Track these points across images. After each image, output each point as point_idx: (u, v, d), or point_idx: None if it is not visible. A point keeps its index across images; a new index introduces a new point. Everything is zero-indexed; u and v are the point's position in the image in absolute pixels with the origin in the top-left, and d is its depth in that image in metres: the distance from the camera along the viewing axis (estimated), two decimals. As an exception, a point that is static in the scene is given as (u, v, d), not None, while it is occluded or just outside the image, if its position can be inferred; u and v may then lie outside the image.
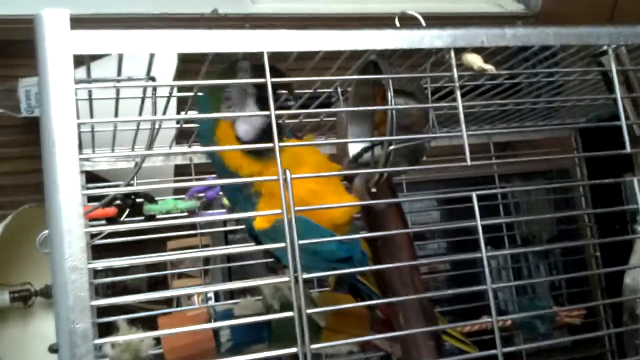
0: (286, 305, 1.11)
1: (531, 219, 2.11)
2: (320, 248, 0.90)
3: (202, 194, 1.28)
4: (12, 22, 1.95)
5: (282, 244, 0.72)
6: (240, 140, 0.91)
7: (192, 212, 1.23)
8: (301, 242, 0.71)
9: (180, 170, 1.60)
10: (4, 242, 1.71)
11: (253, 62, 0.87)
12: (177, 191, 1.41)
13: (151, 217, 1.21)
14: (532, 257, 2.17)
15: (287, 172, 0.73)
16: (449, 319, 1.52)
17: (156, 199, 1.26)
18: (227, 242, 1.79)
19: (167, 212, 1.23)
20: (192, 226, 1.50)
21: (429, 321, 1.02)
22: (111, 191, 0.73)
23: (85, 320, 0.66)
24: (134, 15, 2.18)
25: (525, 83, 1.27)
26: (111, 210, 1.17)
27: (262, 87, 0.86)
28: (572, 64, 1.07)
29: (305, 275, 0.73)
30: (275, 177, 0.73)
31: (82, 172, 1.37)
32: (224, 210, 1.28)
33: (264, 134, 0.90)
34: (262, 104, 0.89)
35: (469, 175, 1.99)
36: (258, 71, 0.84)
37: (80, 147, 1.33)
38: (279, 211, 0.73)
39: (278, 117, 0.92)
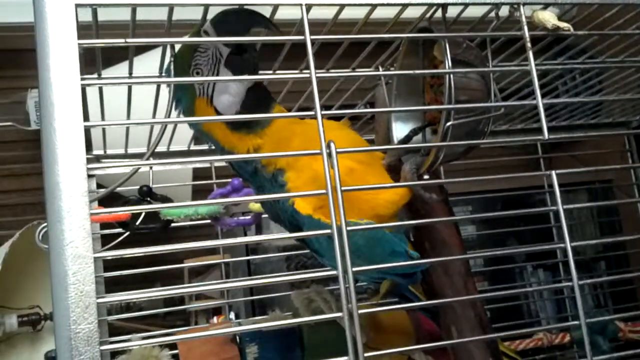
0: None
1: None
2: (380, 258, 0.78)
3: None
4: (21, 30, 1.85)
5: (327, 230, 0.60)
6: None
7: (214, 218, 1.09)
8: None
9: (199, 174, 1.49)
10: (11, 263, 1.60)
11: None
12: (196, 195, 1.29)
13: (168, 223, 1.08)
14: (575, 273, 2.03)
15: (332, 145, 0.61)
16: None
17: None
18: (248, 255, 1.69)
19: (186, 218, 1.08)
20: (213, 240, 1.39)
21: (486, 335, 0.89)
22: (123, 165, 0.60)
23: (90, 320, 0.53)
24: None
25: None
26: (124, 215, 1.04)
27: (233, 50, 0.77)
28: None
29: (356, 268, 0.60)
30: (317, 152, 0.61)
31: (91, 176, 1.27)
32: (249, 217, 1.15)
33: (250, 102, 0.79)
34: (234, 69, 0.78)
35: (502, 187, 1.91)
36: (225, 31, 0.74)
37: (90, 146, 1.23)
38: (323, 191, 0.60)
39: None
